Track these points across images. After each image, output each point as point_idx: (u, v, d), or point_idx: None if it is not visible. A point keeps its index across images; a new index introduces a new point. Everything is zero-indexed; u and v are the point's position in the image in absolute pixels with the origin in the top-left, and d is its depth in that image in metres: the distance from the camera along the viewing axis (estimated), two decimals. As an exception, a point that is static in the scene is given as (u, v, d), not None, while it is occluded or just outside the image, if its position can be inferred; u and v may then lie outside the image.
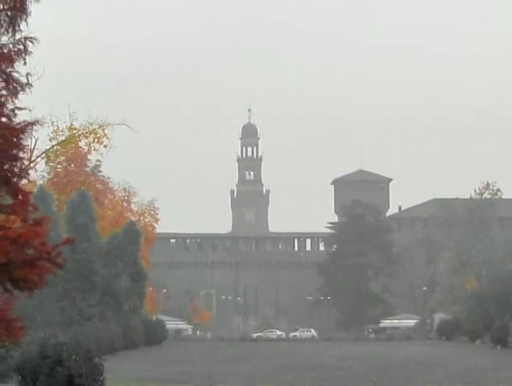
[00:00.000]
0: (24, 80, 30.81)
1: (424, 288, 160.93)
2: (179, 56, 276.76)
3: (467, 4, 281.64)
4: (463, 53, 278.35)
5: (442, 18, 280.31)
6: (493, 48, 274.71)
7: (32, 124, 31.49)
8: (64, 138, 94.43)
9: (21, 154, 31.14)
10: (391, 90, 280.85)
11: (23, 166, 32.67)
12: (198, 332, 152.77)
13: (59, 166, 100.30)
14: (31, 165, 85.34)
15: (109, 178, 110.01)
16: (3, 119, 30.36)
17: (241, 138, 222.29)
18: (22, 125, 30.73)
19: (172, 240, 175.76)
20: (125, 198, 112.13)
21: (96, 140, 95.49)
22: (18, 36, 30.87)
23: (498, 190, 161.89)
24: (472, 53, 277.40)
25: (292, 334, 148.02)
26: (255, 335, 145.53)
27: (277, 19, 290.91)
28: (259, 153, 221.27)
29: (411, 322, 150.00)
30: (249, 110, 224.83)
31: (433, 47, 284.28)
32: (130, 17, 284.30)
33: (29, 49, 30.86)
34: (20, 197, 31.24)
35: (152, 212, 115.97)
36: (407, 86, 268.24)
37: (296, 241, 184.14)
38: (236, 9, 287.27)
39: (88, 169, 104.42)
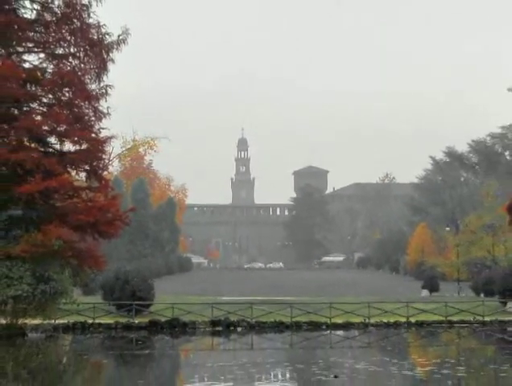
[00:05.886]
0: (105, 111, 31.00)
1: (349, 237, 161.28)
2: (201, 96, 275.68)
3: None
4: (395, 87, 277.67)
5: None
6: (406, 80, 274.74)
7: (110, 138, 31.70)
8: (129, 146, 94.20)
9: (103, 156, 31.31)
10: (329, 116, 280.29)
11: (105, 163, 32.79)
12: (211, 264, 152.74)
13: (126, 164, 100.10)
14: (110, 163, 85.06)
15: (157, 170, 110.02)
16: (93, 135, 30.51)
17: (237, 146, 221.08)
18: (104, 138, 30.91)
19: (195, 208, 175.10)
20: (167, 182, 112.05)
21: (149, 147, 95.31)
22: (101, 84, 31.02)
23: (394, 177, 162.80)
24: (392, 89, 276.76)
25: (268, 266, 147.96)
26: (246, 266, 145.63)
27: (260, 74, 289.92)
28: (248, 156, 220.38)
29: (341, 258, 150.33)
30: (243, 129, 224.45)
31: (368, 87, 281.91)
32: (168, 68, 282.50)
33: (108, 92, 31.02)
34: (103, 182, 31.45)
35: (183, 191, 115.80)
36: (338, 114, 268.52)
37: (271, 209, 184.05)
38: (235, 66, 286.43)
39: (144, 165, 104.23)
